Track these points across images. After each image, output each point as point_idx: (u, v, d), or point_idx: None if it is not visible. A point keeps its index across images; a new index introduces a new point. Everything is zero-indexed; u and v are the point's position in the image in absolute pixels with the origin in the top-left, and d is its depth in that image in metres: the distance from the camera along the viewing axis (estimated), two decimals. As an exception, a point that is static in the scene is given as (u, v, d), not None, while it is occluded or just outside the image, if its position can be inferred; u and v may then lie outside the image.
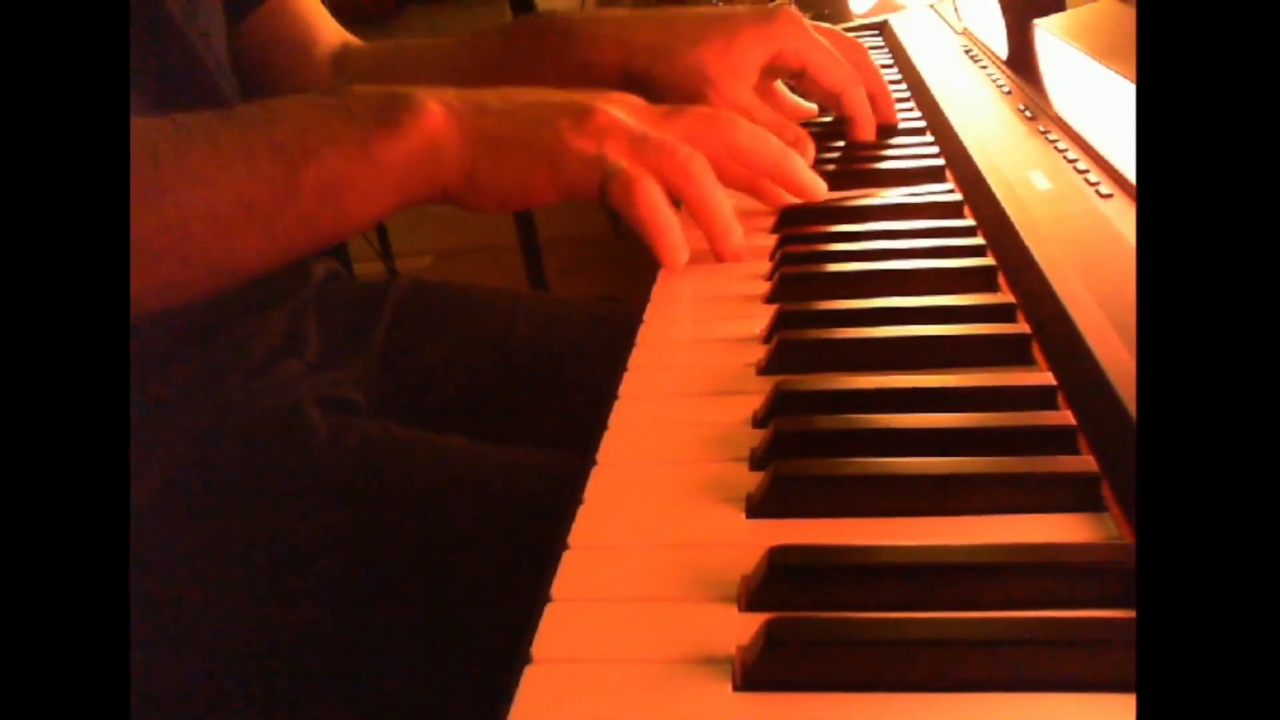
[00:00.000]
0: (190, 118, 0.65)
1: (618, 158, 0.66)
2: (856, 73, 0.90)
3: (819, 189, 0.74)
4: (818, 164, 0.85)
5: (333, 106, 0.66)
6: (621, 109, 0.69)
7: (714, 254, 0.71)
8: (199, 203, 0.62)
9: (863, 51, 0.93)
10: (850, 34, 0.96)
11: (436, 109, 0.66)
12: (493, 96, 0.69)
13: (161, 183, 0.61)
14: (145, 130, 0.62)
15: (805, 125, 0.97)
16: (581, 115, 0.67)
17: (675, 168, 0.66)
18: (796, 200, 0.77)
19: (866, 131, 0.92)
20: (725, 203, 0.68)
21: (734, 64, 0.86)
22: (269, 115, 0.66)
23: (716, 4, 2.37)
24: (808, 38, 0.87)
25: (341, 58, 1.00)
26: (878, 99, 0.93)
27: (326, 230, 0.67)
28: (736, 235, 0.70)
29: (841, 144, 0.92)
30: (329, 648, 0.66)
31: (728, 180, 0.72)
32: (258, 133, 0.64)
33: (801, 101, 1.00)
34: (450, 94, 0.67)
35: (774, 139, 0.71)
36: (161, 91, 0.76)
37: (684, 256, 0.69)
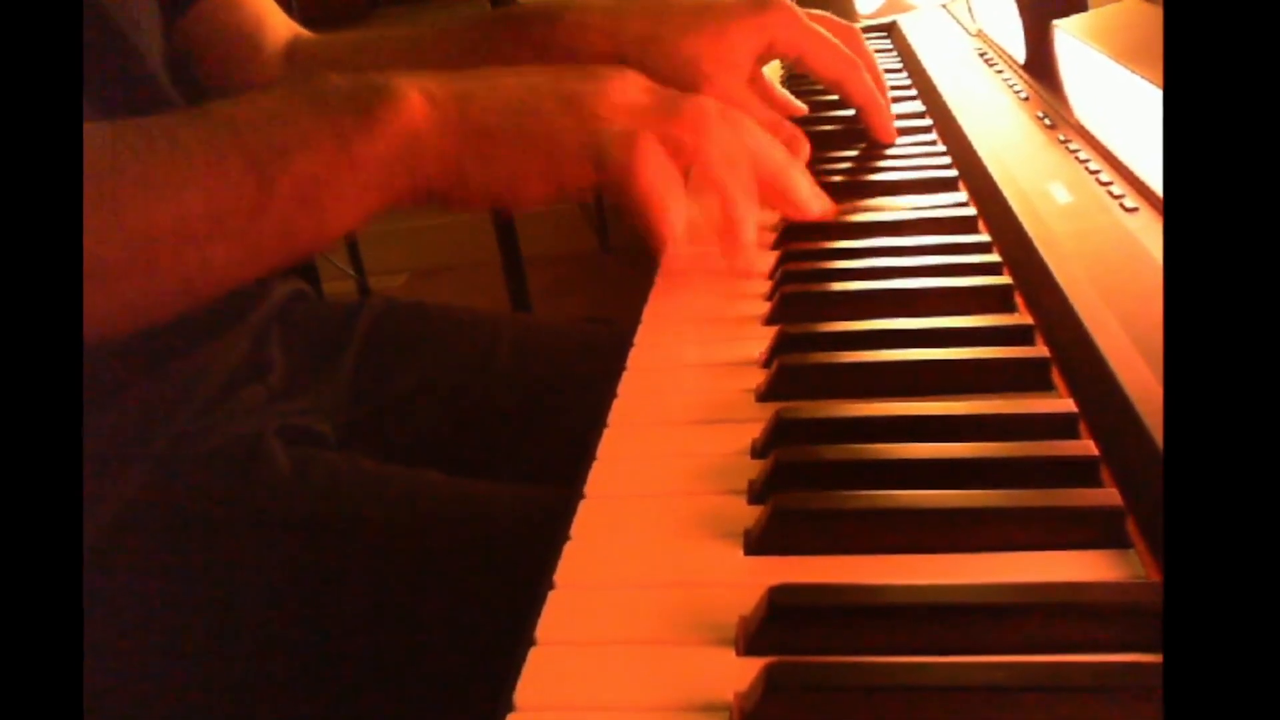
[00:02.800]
0: (151, 121, 0.64)
1: (614, 126, 0.64)
2: (856, 57, 0.91)
3: (819, 205, 0.74)
4: (819, 175, 0.85)
5: (304, 99, 0.65)
6: (622, 87, 0.68)
7: (721, 240, 0.68)
8: (164, 214, 0.60)
9: (857, 36, 0.94)
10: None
11: (416, 99, 0.64)
12: (476, 81, 0.68)
13: (122, 193, 0.60)
14: (102, 136, 0.61)
15: (808, 129, 0.98)
16: (576, 97, 0.66)
17: (685, 124, 0.65)
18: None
19: (878, 116, 0.93)
20: (746, 168, 0.67)
21: (728, 55, 0.87)
22: (236, 114, 0.65)
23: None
24: (801, 26, 0.88)
25: (293, 52, 1.00)
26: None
27: (305, 237, 0.66)
28: (752, 219, 0.68)
29: (845, 153, 0.93)
30: (295, 696, 0.66)
31: None
32: (225, 134, 0.63)
33: (792, 99, 1.01)
34: (430, 81, 0.66)
35: (781, 148, 0.71)
36: (105, 93, 0.76)
37: (681, 230, 0.65)
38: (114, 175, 0.60)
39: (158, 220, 0.60)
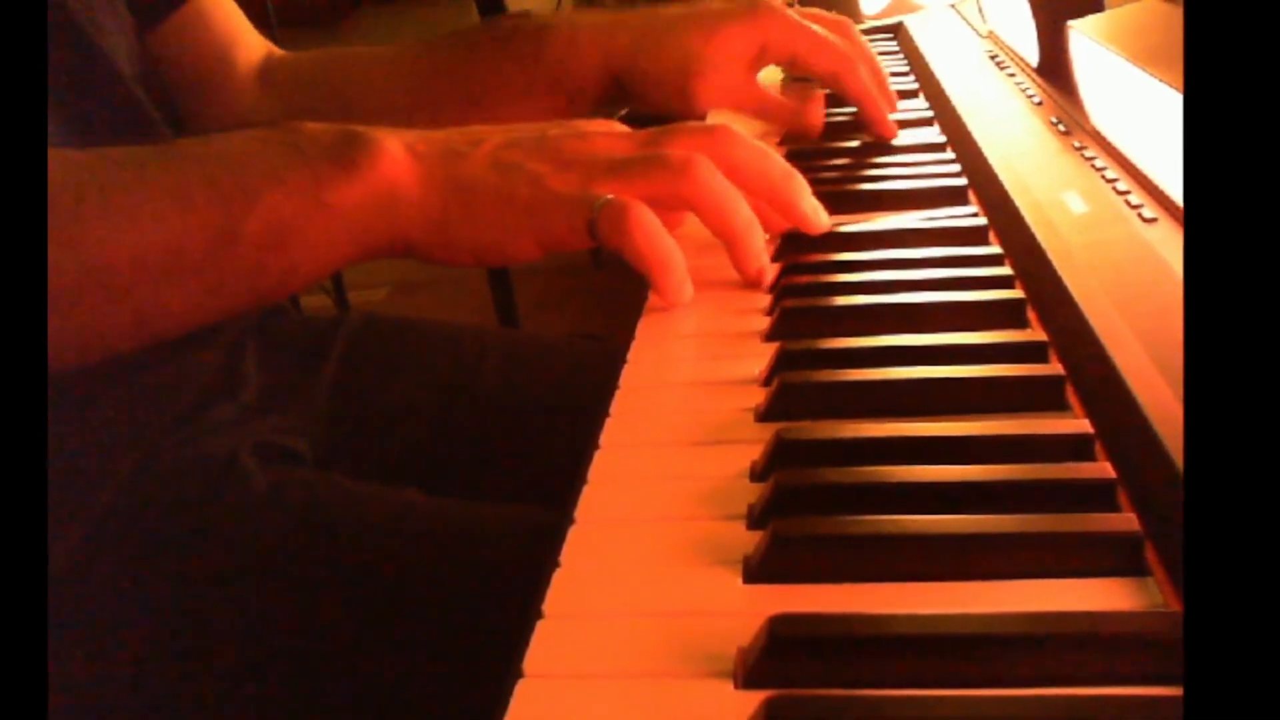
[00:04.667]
0: (120, 152, 0.65)
1: (605, 191, 0.65)
2: (850, 51, 0.92)
3: (821, 219, 0.74)
4: (820, 183, 0.85)
5: (279, 143, 0.66)
6: (608, 144, 0.69)
7: (741, 272, 0.71)
8: (124, 247, 0.61)
9: (850, 28, 0.97)
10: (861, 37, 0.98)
11: (397, 150, 0.66)
12: (459, 138, 0.69)
13: (83, 223, 0.61)
14: (68, 163, 0.61)
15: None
16: (559, 152, 0.68)
17: (673, 178, 0.66)
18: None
19: (875, 110, 0.95)
20: (743, 202, 0.68)
21: (717, 55, 0.91)
22: (207, 152, 0.66)
23: None
24: (792, 25, 0.91)
25: (267, 69, 1.01)
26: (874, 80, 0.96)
27: (270, 283, 0.67)
28: (760, 242, 0.70)
29: (848, 160, 0.93)
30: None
31: None
32: (194, 171, 0.64)
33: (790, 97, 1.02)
34: (412, 135, 0.68)
35: (777, 157, 0.72)
36: (78, 103, 0.76)
37: (688, 292, 0.68)
38: (76, 202, 0.61)
39: (117, 253, 0.61)
